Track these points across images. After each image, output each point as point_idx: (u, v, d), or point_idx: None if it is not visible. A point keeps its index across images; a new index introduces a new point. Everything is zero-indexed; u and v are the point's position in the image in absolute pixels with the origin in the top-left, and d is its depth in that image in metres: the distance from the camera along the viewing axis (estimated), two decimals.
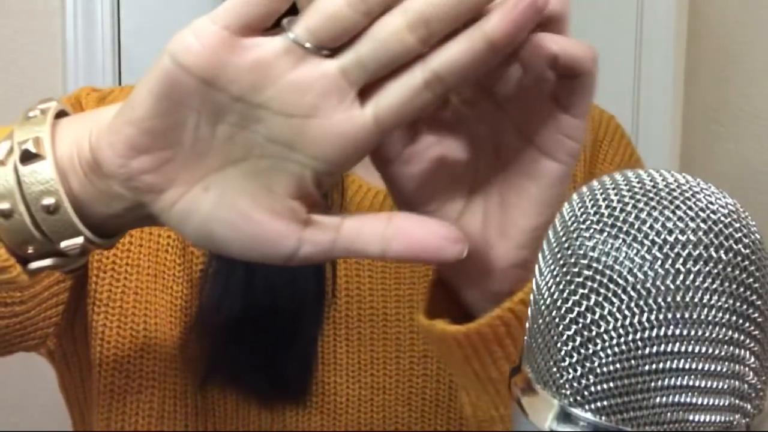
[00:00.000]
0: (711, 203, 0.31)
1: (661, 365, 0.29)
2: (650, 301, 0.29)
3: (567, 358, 0.31)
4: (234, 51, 0.37)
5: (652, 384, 0.30)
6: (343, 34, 0.38)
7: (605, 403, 0.30)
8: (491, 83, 0.44)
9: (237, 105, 0.38)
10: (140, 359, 0.65)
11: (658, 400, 0.30)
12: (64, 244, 0.41)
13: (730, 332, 0.30)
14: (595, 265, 0.30)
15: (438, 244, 0.41)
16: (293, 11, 0.39)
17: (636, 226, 0.30)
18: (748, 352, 0.30)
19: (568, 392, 0.31)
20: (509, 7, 0.37)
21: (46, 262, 0.42)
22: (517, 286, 0.45)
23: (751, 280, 0.30)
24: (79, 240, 0.41)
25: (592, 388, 0.30)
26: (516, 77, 0.44)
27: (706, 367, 0.30)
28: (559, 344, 0.31)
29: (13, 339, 0.60)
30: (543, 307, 0.32)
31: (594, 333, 0.30)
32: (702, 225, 0.30)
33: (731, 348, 0.30)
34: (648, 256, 0.30)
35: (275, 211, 0.40)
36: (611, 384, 0.30)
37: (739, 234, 0.30)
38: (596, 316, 0.30)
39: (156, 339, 0.65)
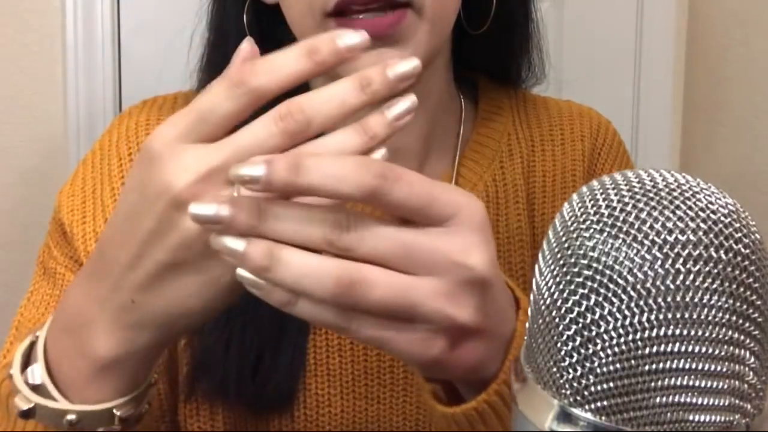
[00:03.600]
0: (711, 203, 0.31)
1: (661, 365, 0.29)
2: (650, 301, 0.29)
3: (567, 358, 0.31)
4: None
5: (652, 384, 0.30)
6: None
7: (605, 403, 0.30)
8: None
9: None
10: None
11: (658, 400, 0.30)
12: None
13: (730, 332, 0.30)
14: (595, 265, 0.30)
15: None
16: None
17: (636, 226, 0.30)
18: (748, 352, 0.30)
19: (568, 392, 0.31)
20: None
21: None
22: None
23: (751, 280, 0.30)
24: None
25: (592, 388, 0.30)
26: None
27: (706, 367, 0.30)
28: (559, 344, 0.31)
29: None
30: (543, 307, 0.32)
31: (594, 333, 0.30)
32: (702, 225, 0.30)
33: (731, 348, 0.30)
34: (648, 256, 0.30)
35: None
36: (611, 384, 0.30)
37: (739, 234, 0.30)
38: (596, 316, 0.30)
39: None
